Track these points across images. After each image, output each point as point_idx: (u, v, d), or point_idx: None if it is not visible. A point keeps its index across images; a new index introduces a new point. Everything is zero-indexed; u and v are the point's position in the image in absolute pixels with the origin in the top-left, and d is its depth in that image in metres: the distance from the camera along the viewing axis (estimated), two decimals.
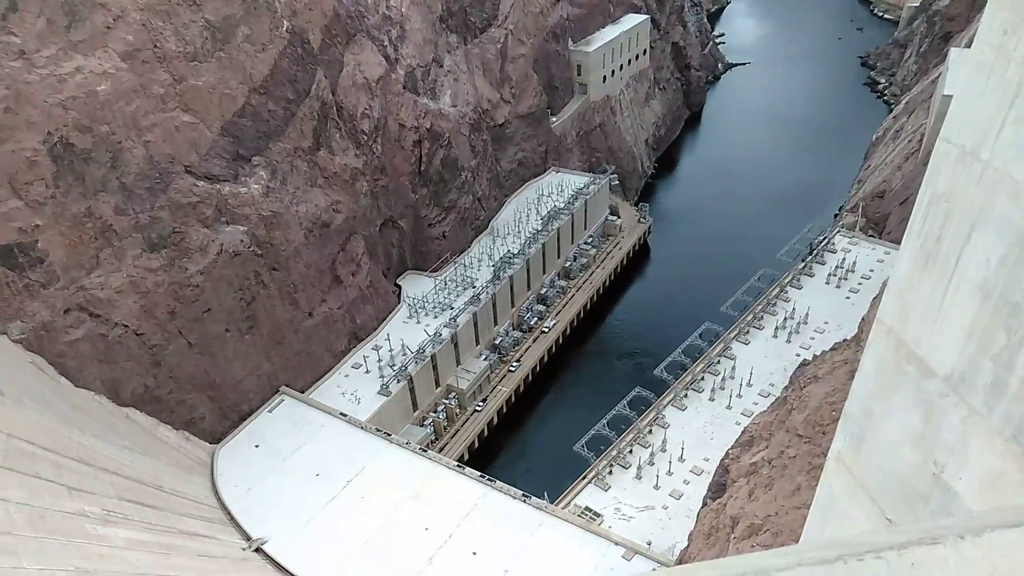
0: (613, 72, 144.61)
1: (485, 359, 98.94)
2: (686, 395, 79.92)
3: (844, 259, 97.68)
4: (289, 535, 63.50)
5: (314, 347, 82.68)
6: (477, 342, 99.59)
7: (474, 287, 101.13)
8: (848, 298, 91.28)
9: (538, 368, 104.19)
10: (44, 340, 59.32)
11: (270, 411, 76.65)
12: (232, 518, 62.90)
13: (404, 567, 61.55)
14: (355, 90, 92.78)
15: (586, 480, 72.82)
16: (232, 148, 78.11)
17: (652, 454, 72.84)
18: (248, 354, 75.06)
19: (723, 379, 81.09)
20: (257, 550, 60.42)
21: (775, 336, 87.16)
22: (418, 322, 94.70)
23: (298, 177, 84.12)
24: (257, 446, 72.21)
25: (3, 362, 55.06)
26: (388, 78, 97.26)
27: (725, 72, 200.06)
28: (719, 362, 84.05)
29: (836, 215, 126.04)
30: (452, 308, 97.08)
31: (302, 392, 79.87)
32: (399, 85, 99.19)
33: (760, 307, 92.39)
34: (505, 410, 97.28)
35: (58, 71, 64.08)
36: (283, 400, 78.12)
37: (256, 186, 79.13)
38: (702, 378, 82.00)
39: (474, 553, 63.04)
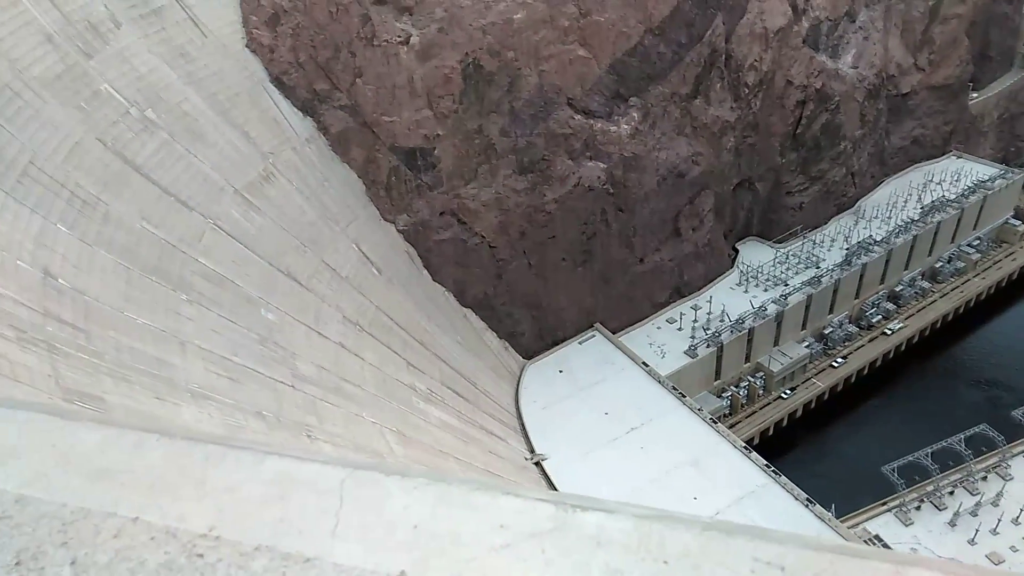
0: None
1: (807, 346, 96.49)
2: None
3: None
4: (567, 459, 71.87)
5: (636, 293, 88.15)
6: (804, 327, 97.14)
7: (818, 268, 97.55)
8: None
9: (866, 370, 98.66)
10: (419, 235, 72.36)
11: (581, 343, 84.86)
12: (524, 429, 73.01)
13: None
14: (750, 39, 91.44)
15: (886, 507, 69.93)
16: (614, 86, 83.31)
17: (979, 504, 66.87)
18: (576, 286, 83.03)
19: None
20: (537, 464, 69.87)
21: None
22: (746, 291, 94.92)
23: (667, 123, 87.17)
24: (561, 371, 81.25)
25: (387, 246, 68.93)
26: (789, 30, 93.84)
27: None
28: None
29: None
30: (787, 285, 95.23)
31: (613, 333, 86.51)
32: (799, 39, 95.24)
33: None
34: (814, 405, 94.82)
35: None
36: (594, 336, 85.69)
37: (626, 126, 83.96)
38: None
39: None
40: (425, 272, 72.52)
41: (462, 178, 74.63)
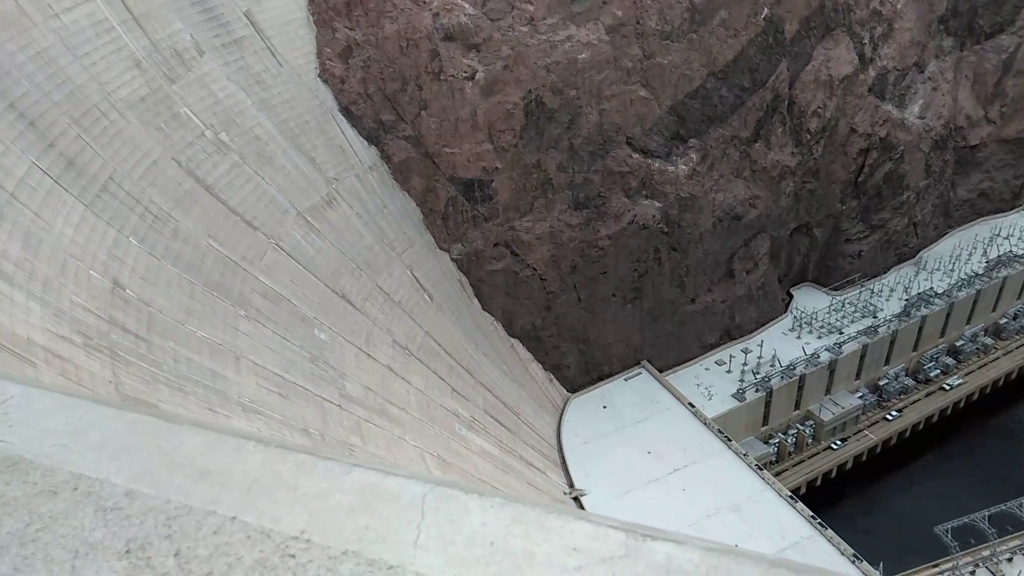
0: None
1: (860, 397, 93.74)
2: None
3: None
4: (606, 496, 70.97)
5: (686, 332, 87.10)
6: (857, 376, 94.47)
7: (875, 317, 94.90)
8: None
9: (922, 426, 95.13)
10: (472, 264, 73.10)
11: (626, 380, 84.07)
12: (564, 462, 72.50)
13: None
14: (814, 86, 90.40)
15: (937, 570, 67.04)
16: (674, 127, 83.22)
17: None
18: (624, 322, 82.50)
19: None
20: (575, 499, 69.17)
21: None
22: (799, 337, 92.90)
23: (726, 165, 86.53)
24: (605, 407, 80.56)
25: (440, 274, 69.83)
26: (855, 78, 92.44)
27: None
28: None
29: None
30: (841, 333, 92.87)
31: (660, 371, 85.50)
32: (864, 87, 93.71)
33: None
34: (865, 458, 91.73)
35: (553, 38, 74.30)
36: (640, 373, 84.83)
37: (684, 167, 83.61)
38: None
39: None
40: (475, 301, 73.13)
41: (518, 211, 75.26)
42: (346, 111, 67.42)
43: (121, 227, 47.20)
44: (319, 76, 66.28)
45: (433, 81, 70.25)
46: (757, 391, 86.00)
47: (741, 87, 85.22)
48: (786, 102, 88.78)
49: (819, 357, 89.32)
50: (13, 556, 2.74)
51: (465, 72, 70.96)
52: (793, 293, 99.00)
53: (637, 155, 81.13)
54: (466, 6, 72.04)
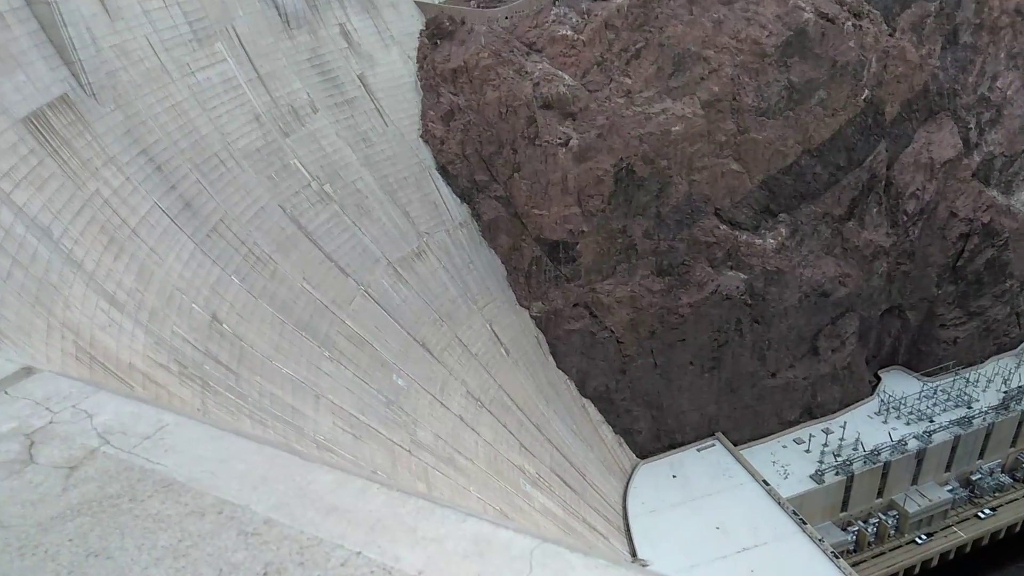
0: None
1: (950, 491, 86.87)
2: None
3: None
4: (670, 569, 67.73)
5: (764, 407, 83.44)
6: (948, 469, 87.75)
7: (969, 408, 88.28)
8: None
9: (1018, 528, 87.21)
10: (550, 323, 72.78)
11: (699, 450, 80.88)
12: (628, 529, 70.00)
13: None
14: (913, 168, 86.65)
15: None
16: (764, 201, 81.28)
17: None
18: (700, 391, 79.86)
19: None
20: None
21: None
22: (885, 422, 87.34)
23: (816, 241, 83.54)
24: (675, 476, 77.57)
25: (518, 330, 69.84)
26: (958, 162, 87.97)
27: None
28: None
29: None
30: (932, 421, 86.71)
31: (735, 444, 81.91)
32: (968, 171, 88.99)
33: None
34: (953, 556, 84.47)
35: (648, 110, 74.38)
36: (714, 445, 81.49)
37: (772, 241, 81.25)
38: None
39: None
40: (551, 358, 72.58)
41: (600, 273, 74.78)
42: (443, 170, 69.37)
43: (225, 266, 49.70)
44: (421, 136, 68.65)
45: (528, 145, 71.43)
46: (837, 474, 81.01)
47: (836, 165, 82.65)
48: (883, 182, 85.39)
49: (906, 444, 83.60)
50: (167, 568, 2.97)
51: (560, 138, 71.85)
52: (881, 376, 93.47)
53: (724, 226, 79.50)
54: (566, 77, 73.29)
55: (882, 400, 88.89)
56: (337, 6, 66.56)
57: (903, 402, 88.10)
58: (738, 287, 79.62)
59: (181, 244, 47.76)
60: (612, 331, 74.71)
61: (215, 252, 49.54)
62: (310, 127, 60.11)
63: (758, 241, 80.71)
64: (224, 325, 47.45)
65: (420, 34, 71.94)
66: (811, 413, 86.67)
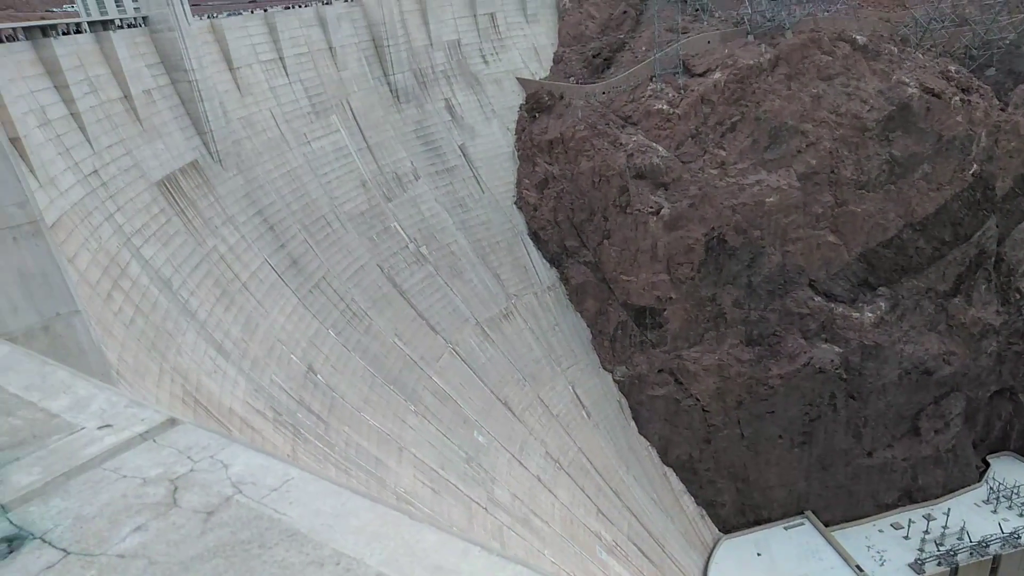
0: None
1: None
2: None
3: None
4: None
5: (859, 487, 77.45)
6: None
7: None
8: None
9: None
10: (634, 387, 70.81)
11: (786, 528, 75.52)
12: None
13: None
14: None
15: None
16: (862, 274, 77.11)
17: None
18: (789, 466, 75.12)
19: None
20: None
21: None
22: (995, 511, 79.00)
23: (918, 317, 78.12)
24: (760, 554, 72.56)
25: (600, 393, 68.34)
26: None
27: None
28: None
29: None
30: None
31: (826, 525, 76.06)
32: None
33: None
34: None
35: (742, 181, 72.66)
36: (803, 524, 75.92)
37: (870, 314, 76.63)
38: None
39: None
40: (632, 423, 70.42)
41: (687, 340, 72.53)
42: (534, 235, 69.84)
43: (324, 320, 51.55)
44: (515, 203, 69.61)
45: (619, 213, 71.04)
46: (939, 564, 73.53)
47: (941, 240, 77.57)
48: (993, 259, 79.28)
49: (1019, 538, 75.16)
50: None
51: (651, 207, 71.12)
52: (990, 461, 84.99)
53: (819, 298, 75.72)
54: (659, 149, 72.93)
55: (991, 488, 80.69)
56: (444, 83, 69.40)
57: (1015, 491, 79.69)
58: (833, 360, 75.17)
59: (285, 298, 49.98)
60: (698, 399, 71.93)
61: (315, 307, 51.51)
62: (411, 192, 62.20)
63: (855, 314, 76.30)
64: (318, 376, 48.95)
65: (520, 108, 73.71)
66: (911, 497, 79.70)
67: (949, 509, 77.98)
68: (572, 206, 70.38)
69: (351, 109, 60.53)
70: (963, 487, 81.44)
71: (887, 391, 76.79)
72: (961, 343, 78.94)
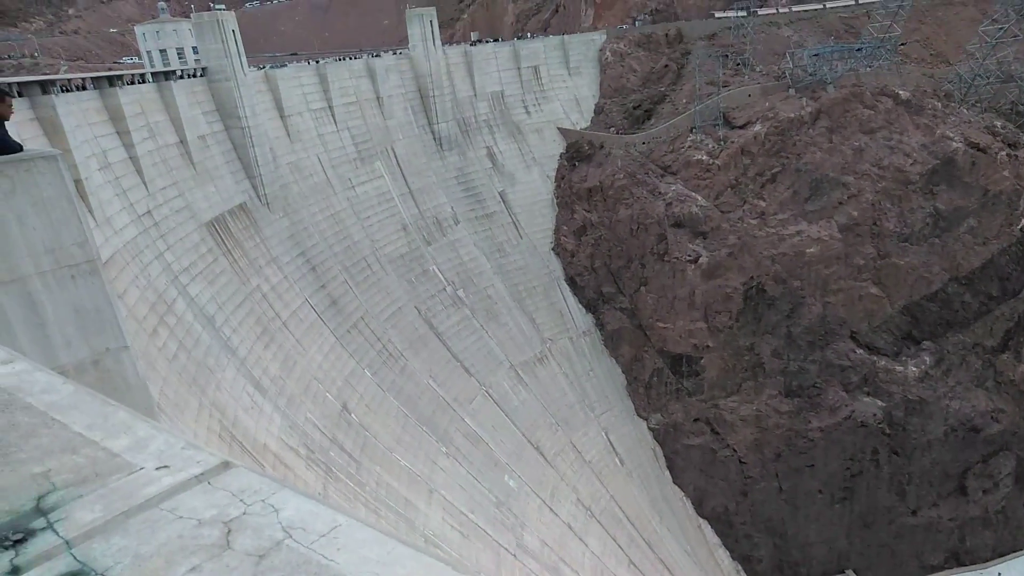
0: None
1: None
2: None
3: None
4: None
5: (902, 547, 73.14)
6: None
7: None
8: None
9: None
10: (668, 436, 68.62)
11: None
12: None
13: None
14: None
15: None
16: (906, 327, 74.09)
17: None
18: (829, 523, 71.44)
19: None
20: None
21: None
22: None
23: (965, 372, 74.37)
24: None
25: (634, 440, 66.37)
26: None
27: None
28: None
29: None
30: None
31: None
32: None
33: None
34: None
35: (782, 232, 71.02)
36: None
37: (914, 368, 73.31)
38: None
39: None
40: (667, 473, 68.07)
41: (724, 389, 70.31)
42: (571, 281, 69.12)
43: (360, 359, 51.45)
44: (553, 249, 69.17)
45: (657, 261, 69.96)
46: None
47: (988, 295, 74.22)
48: None
49: None
50: None
51: (689, 256, 69.90)
52: None
53: (861, 351, 72.80)
54: (699, 198, 71.98)
55: None
56: (487, 132, 70.04)
57: None
58: (875, 414, 71.86)
59: (324, 337, 50.10)
60: (735, 450, 69.34)
61: (352, 346, 51.49)
62: (451, 237, 62.36)
63: (899, 368, 73.08)
64: (352, 415, 48.63)
65: (560, 156, 73.84)
66: (958, 559, 74.89)
67: (999, 573, 73.08)
68: (609, 253, 69.61)
69: (395, 155, 61.35)
70: (1015, 551, 76.21)
71: (932, 448, 72.94)
72: (1010, 400, 74.75)
